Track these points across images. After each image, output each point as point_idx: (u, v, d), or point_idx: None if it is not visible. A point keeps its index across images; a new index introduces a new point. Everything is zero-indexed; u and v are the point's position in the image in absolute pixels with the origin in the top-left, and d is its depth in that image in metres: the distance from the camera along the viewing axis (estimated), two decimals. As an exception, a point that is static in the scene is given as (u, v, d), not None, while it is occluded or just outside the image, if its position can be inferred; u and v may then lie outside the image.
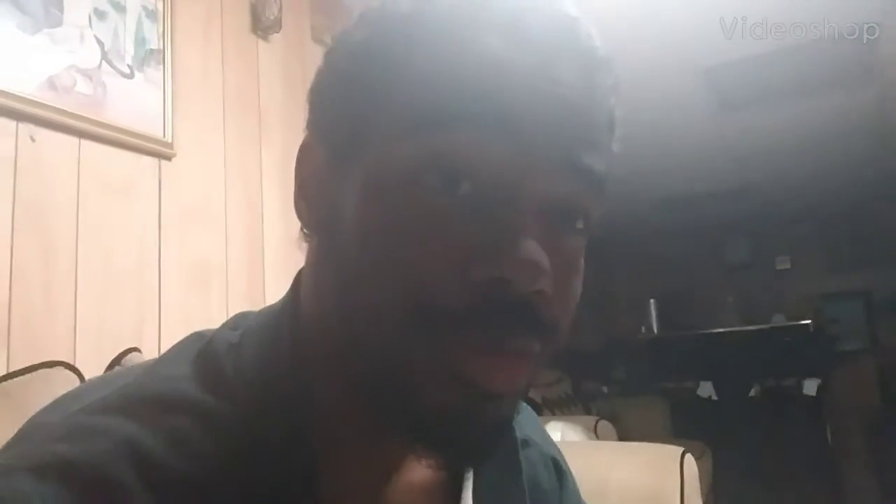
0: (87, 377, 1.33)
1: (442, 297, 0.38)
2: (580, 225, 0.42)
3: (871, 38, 2.81)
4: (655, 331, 5.75)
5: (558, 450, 0.64)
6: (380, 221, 0.40)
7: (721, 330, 5.45)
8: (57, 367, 1.21)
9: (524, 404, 0.59)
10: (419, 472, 0.49)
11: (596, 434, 3.26)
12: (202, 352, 0.45)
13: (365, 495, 0.46)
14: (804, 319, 5.21)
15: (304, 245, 0.51)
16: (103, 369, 1.43)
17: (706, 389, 5.11)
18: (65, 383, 1.20)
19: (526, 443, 0.58)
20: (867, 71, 3.21)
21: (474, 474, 0.52)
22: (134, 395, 0.41)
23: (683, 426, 4.76)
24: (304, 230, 0.48)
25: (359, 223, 0.41)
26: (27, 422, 0.42)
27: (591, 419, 3.49)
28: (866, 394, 5.21)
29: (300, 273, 0.50)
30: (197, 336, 0.48)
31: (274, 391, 0.43)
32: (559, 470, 0.62)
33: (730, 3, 2.64)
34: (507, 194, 0.38)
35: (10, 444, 0.39)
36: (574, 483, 0.64)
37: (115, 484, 0.35)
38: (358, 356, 0.42)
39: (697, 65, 3.13)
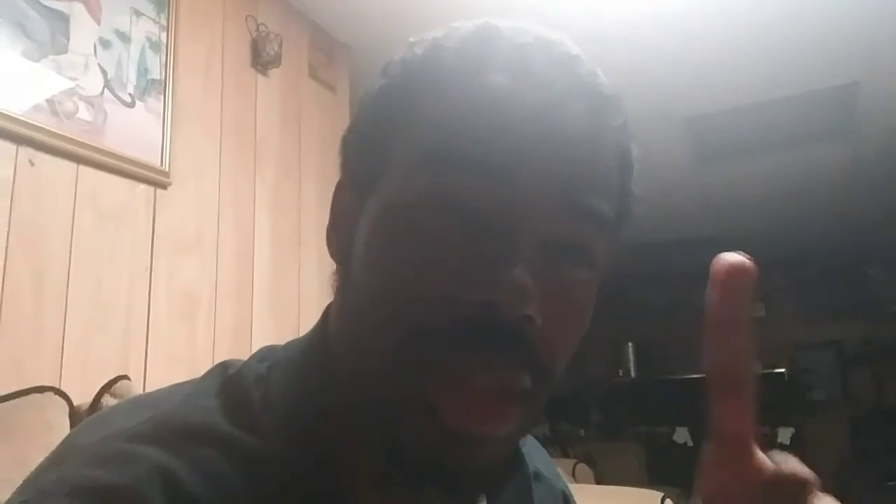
0: (75, 403, 1.32)
1: (432, 318, 0.39)
2: (585, 263, 0.43)
3: (851, 95, 2.92)
4: (633, 375, 5.78)
5: (566, 483, 0.65)
6: (382, 249, 0.42)
7: (697, 376, 5.47)
8: (47, 393, 1.20)
9: (530, 437, 0.60)
10: None
11: (574, 477, 3.24)
12: (230, 383, 0.46)
13: None
14: (778, 368, 5.27)
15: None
16: (89, 395, 1.41)
17: (682, 435, 5.12)
18: (54, 409, 1.19)
19: (537, 476, 0.58)
20: (844, 126, 3.32)
21: None
22: (166, 424, 0.41)
23: (658, 471, 4.76)
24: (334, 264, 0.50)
25: (365, 251, 0.43)
26: (61, 445, 0.43)
27: (570, 462, 3.48)
28: (838, 444, 5.27)
29: (329, 307, 0.51)
30: (223, 366, 0.49)
31: (302, 426, 0.43)
32: (567, 503, 0.63)
33: (714, 56, 2.73)
34: (506, 228, 0.40)
35: (48, 467, 0.40)
36: None
37: None
38: (359, 383, 0.43)
39: (678, 114, 3.22)
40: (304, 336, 0.51)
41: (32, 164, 1.50)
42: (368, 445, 0.44)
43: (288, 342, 0.51)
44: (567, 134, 0.41)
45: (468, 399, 0.38)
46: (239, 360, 0.50)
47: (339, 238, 0.48)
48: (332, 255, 0.49)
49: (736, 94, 3.06)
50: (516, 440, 0.45)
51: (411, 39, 0.47)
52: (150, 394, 0.49)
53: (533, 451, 0.60)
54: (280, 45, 2.14)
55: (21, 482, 0.40)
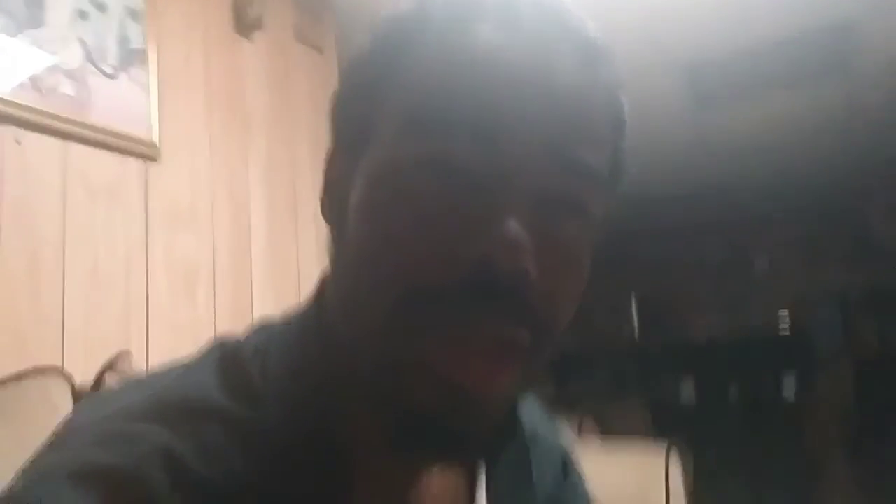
0: (77, 382, 1.31)
1: (427, 275, 0.38)
2: (579, 216, 0.42)
3: (848, 33, 2.87)
4: (637, 331, 5.80)
5: (566, 439, 0.64)
6: (375, 211, 0.41)
7: (701, 331, 5.50)
8: (49, 373, 1.19)
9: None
10: (436, 475, 0.49)
11: (580, 433, 3.28)
12: (227, 357, 0.46)
13: (389, 500, 0.46)
14: (782, 321, 5.27)
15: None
16: (92, 374, 1.41)
17: (686, 391, 5.16)
18: (57, 389, 1.18)
19: (533, 437, 0.58)
20: (842, 67, 3.26)
21: (487, 478, 0.52)
22: (164, 401, 0.41)
23: (663, 427, 4.81)
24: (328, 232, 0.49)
25: (358, 215, 0.42)
26: (62, 424, 0.42)
27: (575, 419, 3.51)
28: (843, 396, 5.30)
29: (324, 277, 0.51)
30: (220, 341, 0.48)
31: (300, 398, 0.43)
32: (565, 462, 0.62)
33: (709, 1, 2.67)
34: (497, 187, 0.39)
35: (48, 450, 0.40)
36: (579, 475, 0.64)
37: (149, 490, 0.36)
38: (356, 349, 0.42)
39: (676, 62, 3.17)
40: (300, 307, 0.50)
41: (19, 143, 1.47)
42: (368, 412, 0.43)
43: (285, 314, 0.51)
44: (556, 87, 0.40)
45: (467, 355, 0.38)
46: (235, 335, 0.49)
47: (332, 204, 0.48)
48: (326, 222, 0.49)
49: (727, 39, 3.00)
50: (516, 397, 0.45)
51: None
52: (149, 373, 0.49)
53: (530, 409, 0.60)
54: (263, 7, 2.09)
55: (22, 465, 0.40)
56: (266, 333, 0.48)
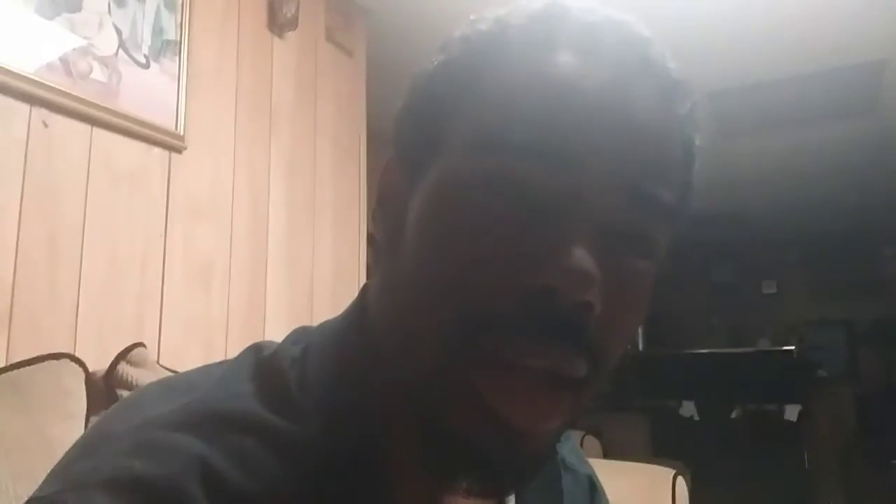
0: (90, 369, 1.31)
1: (488, 301, 0.37)
2: (645, 252, 0.41)
3: (878, 73, 2.85)
4: (641, 348, 5.78)
5: (591, 467, 0.64)
6: (437, 230, 0.40)
7: (705, 351, 5.49)
8: (63, 360, 1.19)
9: None
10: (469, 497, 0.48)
11: (582, 449, 3.26)
12: (264, 366, 0.45)
13: None
14: (788, 345, 5.26)
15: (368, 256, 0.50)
16: (104, 362, 1.40)
17: (688, 409, 5.13)
18: (71, 375, 1.18)
19: (564, 463, 0.57)
20: (869, 105, 3.25)
21: (517, 501, 0.51)
22: (201, 411, 0.40)
23: (664, 444, 4.79)
24: (377, 242, 0.48)
25: (419, 232, 0.41)
26: (92, 431, 0.41)
27: (578, 434, 3.50)
28: (844, 422, 5.28)
29: (366, 286, 0.50)
30: (255, 348, 0.47)
31: (340, 410, 0.42)
32: (593, 489, 0.62)
33: (739, 30, 2.66)
34: (566, 213, 0.38)
35: (79, 456, 0.39)
36: (606, 501, 0.64)
37: (185, 502, 0.35)
38: (404, 368, 0.41)
39: (702, 89, 3.16)
40: (339, 317, 0.49)
41: (46, 126, 1.48)
42: (410, 431, 0.42)
43: (322, 323, 0.50)
44: (635, 119, 0.39)
45: (520, 390, 0.37)
46: (271, 342, 0.48)
47: (387, 216, 0.47)
48: (378, 234, 0.48)
49: (759, 70, 3.00)
50: (563, 431, 0.44)
51: (472, 17, 0.45)
52: (181, 376, 0.48)
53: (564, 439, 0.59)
54: (297, 7, 2.09)
55: (51, 469, 0.39)
56: (304, 341, 0.47)
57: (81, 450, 0.39)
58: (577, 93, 0.39)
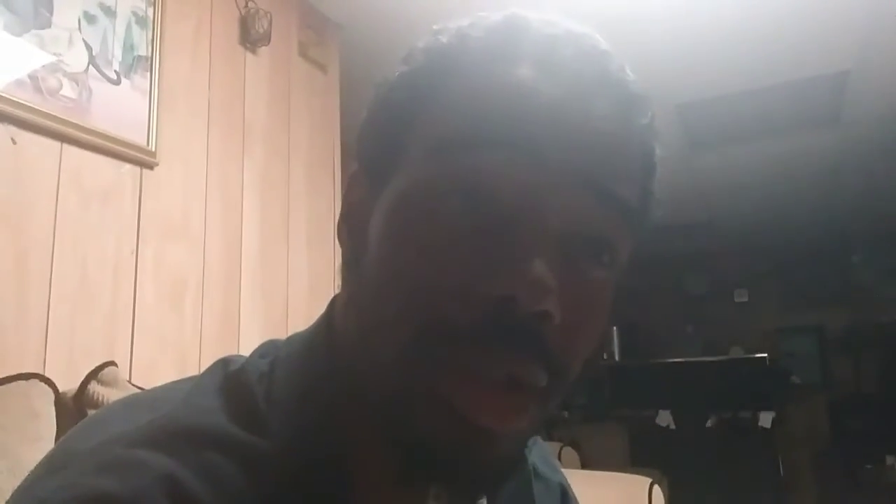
0: (59, 389, 1.29)
1: (448, 312, 0.38)
2: (605, 259, 0.41)
3: (841, 84, 2.92)
4: (617, 358, 5.82)
5: (563, 476, 0.64)
6: (398, 238, 0.40)
7: (680, 360, 5.54)
8: (32, 380, 1.17)
9: None
10: None
11: (560, 460, 3.27)
12: (231, 381, 0.44)
13: None
14: (761, 352, 5.33)
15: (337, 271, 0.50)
16: (74, 381, 1.38)
17: (665, 418, 5.17)
18: (40, 395, 1.16)
19: (535, 471, 0.57)
20: (834, 115, 3.33)
21: None
22: (167, 427, 0.40)
23: (641, 453, 4.81)
24: (343, 255, 0.48)
25: (381, 241, 0.42)
26: (56, 449, 0.41)
27: (555, 445, 3.50)
28: (817, 428, 5.36)
29: (334, 300, 0.50)
30: (223, 363, 0.47)
31: (307, 423, 0.42)
32: (565, 496, 0.62)
33: (706, 42, 2.72)
34: (526, 217, 0.38)
35: (45, 474, 0.38)
36: None
37: None
38: (369, 377, 0.42)
39: (670, 101, 3.21)
40: (307, 330, 0.49)
41: (15, 143, 1.46)
42: (377, 442, 0.42)
43: (290, 336, 0.50)
44: (593, 124, 0.40)
45: (482, 390, 0.37)
46: (240, 356, 0.48)
47: (352, 229, 0.47)
48: (343, 247, 0.48)
49: (727, 82, 3.06)
50: (529, 436, 0.44)
51: (435, 27, 0.45)
52: (147, 392, 0.47)
53: (531, 445, 0.59)
54: (270, 23, 2.09)
55: (15, 489, 0.38)
56: (272, 356, 0.47)
57: (45, 468, 0.39)
58: (537, 96, 0.39)
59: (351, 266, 0.46)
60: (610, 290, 0.42)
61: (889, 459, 4.58)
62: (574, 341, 0.40)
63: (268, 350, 0.48)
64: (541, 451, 0.63)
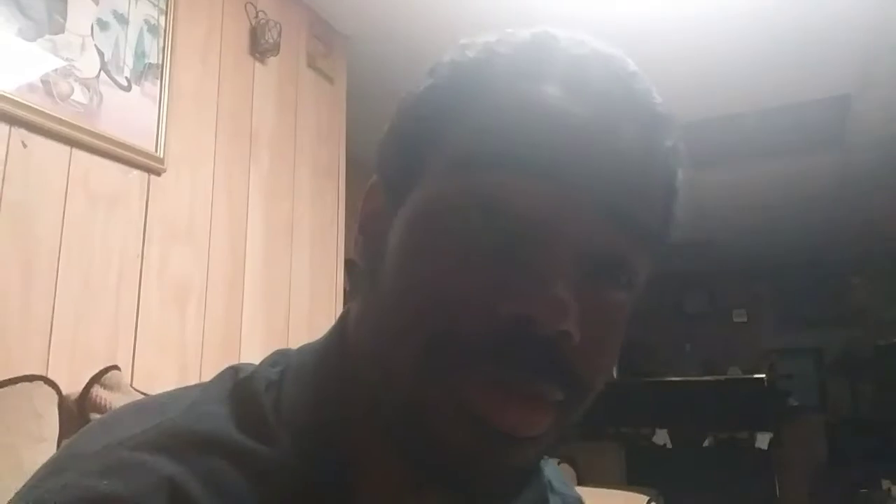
0: (63, 392, 1.29)
1: (466, 330, 0.37)
2: (623, 280, 0.41)
3: (843, 107, 2.94)
4: (615, 375, 5.81)
5: (579, 495, 0.64)
6: (417, 252, 0.40)
7: (678, 378, 5.53)
8: (36, 382, 1.18)
9: None
10: None
11: (557, 476, 3.25)
12: (240, 388, 0.44)
13: None
14: (758, 373, 5.32)
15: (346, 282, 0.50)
16: (77, 384, 1.38)
17: (662, 437, 5.16)
18: (44, 397, 1.16)
19: (551, 487, 0.57)
20: (835, 137, 3.35)
21: None
22: (172, 432, 0.40)
23: (638, 471, 4.80)
24: (357, 266, 0.48)
25: (399, 256, 0.41)
26: (62, 451, 0.41)
27: (553, 462, 3.49)
28: (814, 450, 5.34)
29: (347, 311, 0.49)
30: (233, 370, 0.47)
31: (316, 434, 0.42)
32: None
33: (709, 64, 2.74)
34: (546, 238, 0.38)
35: (48, 475, 0.38)
36: None
37: None
38: (384, 390, 0.41)
39: (674, 120, 3.23)
40: (319, 340, 0.49)
41: (25, 146, 1.47)
42: (387, 454, 0.42)
43: (302, 346, 0.49)
44: (618, 146, 0.40)
45: (502, 398, 0.37)
46: (250, 364, 0.48)
47: (368, 241, 0.46)
48: (359, 259, 0.47)
49: (730, 102, 3.08)
50: (546, 446, 0.43)
51: (462, 41, 0.45)
52: (155, 397, 0.47)
53: (543, 461, 0.60)
54: (279, 34, 2.11)
55: (19, 489, 0.38)
56: (282, 365, 0.47)
57: (50, 469, 0.38)
58: (563, 117, 0.39)
59: (367, 278, 0.46)
60: (627, 312, 0.42)
61: (885, 483, 4.56)
62: (592, 360, 0.40)
63: (278, 359, 0.48)
64: (553, 470, 0.63)
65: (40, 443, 1.11)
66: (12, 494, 0.39)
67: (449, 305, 0.38)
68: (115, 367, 1.39)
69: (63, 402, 1.23)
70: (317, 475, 0.41)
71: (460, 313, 0.38)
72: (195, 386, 0.47)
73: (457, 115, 0.42)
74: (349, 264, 2.47)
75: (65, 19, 1.54)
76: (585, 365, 0.39)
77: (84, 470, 0.37)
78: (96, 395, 1.30)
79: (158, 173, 1.75)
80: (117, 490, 0.35)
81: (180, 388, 0.47)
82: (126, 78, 1.66)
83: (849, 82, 2.87)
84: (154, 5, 1.76)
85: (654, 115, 0.43)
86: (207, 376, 0.47)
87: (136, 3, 1.71)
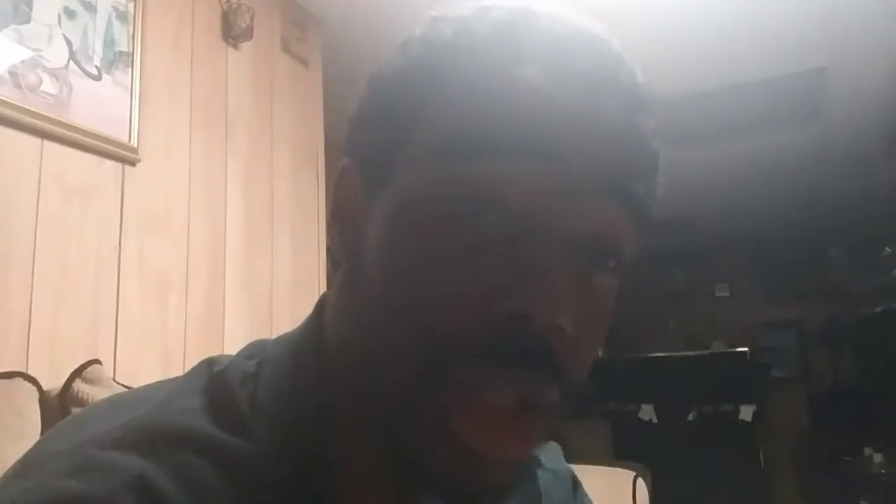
0: (43, 388, 1.28)
1: (457, 329, 0.36)
2: (612, 264, 0.40)
3: (819, 80, 2.95)
4: (599, 353, 5.86)
5: (569, 468, 0.64)
6: (403, 248, 0.39)
7: (662, 354, 5.59)
8: (15, 378, 1.16)
9: None
10: None
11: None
12: (215, 381, 0.43)
13: None
14: (741, 346, 5.39)
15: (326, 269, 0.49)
16: (58, 379, 1.37)
17: (647, 412, 5.22)
18: (24, 394, 1.15)
19: (539, 464, 0.57)
20: (812, 111, 3.37)
21: None
22: (144, 428, 0.39)
23: (624, 447, 4.86)
24: (334, 255, 0.47)
25: (383, 249, 0.40)
26: (31, 451, 0.40)
27: (540, 440, 3.52)
28: (798, 421, 5.43)
29: (323, 299, 0.48)
30: (208, 363, 0.46)
31: (292, 428, 0.41)
32: (576, 485, 0.62)
33: (684, 39, 2.74)
34: (536, 225, 0.37)
35: (16, 475, 0.37)
36: (585, 494, 0.63)
37: None
38: (366, 391, 0.41)
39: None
40: (295, 330, 0.47)
41: (-6, 140, 1.44)
42: (368, 449, 0.42)
43: (279, 336, 0.48)
44: (604, 127, 0.39)
45: (490, 419, 0.36)
46: (226, 356, 0.47)
47: (344, 228, 0.45)
48: (334, 247, 0.46)
49: (706, 78, 3.08)
50: (534, 455, 0.44)
51: (433, 14, 0.43)
52: (129, 392, 0.46)
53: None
54: (252, 18, 2.08)
55: None
56: (260, 356, 0.45)
57: (19, 470, 0.38)
58: (548, 100, 0.38)
59: (344, 266, 0.45)
60: (615, 295, 0.42)
61: (867, 451, 4.65)
62: (583, 350, 0.39)
63: (254, 351, 0.47)
64: (547, 444, 0.63)
65: (21, 440, 1.10)
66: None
67: (441, 309, 0.37)
68: (97, 361, 1.37)
69: (44, 397, 1.22)
70: (293, 468, 0.40)
71: (453, 316, 0.37)
72: (171, 380, 0.46)
73: (434, 95, 0.40)
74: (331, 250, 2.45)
75: (31, 9, 1.50)
76: (575, 358, 0.39)
77: (52, 470, 0.36)
78: (78, 390, 1.29)
79: (133, 163, 1.72)
80: (86, 490, 0.34)
81: (156, 383, 0.46)
82: (96, 67, 1.63)
83: (825, 55, 2.88)
84: (122, -8, 1.72)
85: (637, 97, 0.42)
86: (190, 367, 0.46)
87: (104, -10, 1.67)
